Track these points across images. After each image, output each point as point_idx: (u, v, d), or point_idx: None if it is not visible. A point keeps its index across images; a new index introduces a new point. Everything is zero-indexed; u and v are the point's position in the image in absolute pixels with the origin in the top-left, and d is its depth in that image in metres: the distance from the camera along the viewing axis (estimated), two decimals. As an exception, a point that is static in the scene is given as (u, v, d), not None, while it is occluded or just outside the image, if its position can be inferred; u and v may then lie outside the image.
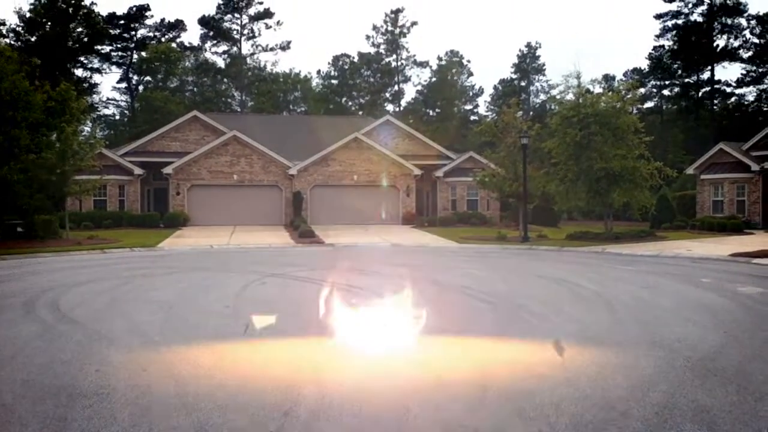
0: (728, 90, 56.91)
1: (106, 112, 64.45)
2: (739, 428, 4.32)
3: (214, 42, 66.56)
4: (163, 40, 63.20)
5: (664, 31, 57.34)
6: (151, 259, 17.46)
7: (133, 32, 62.86)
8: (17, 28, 54.17)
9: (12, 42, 49.28)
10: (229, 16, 65.94)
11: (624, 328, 7.79)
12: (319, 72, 71.87)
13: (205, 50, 66.62)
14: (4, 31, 51.56)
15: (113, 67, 63.34)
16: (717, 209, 31.86)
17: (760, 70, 54.97)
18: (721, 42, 56.09)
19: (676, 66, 57.64)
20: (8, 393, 5.06)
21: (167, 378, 5.54)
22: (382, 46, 69.32)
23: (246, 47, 66.76)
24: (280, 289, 11.66)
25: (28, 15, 54.47)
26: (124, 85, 64.21)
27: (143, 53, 60.41)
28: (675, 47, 56.88)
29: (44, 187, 22.55)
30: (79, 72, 59.28)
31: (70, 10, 55.08)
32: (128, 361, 6.09)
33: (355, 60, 69.20)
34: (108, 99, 64.84)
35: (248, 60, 66.97)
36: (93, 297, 10.19)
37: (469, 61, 70.23)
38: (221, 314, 8.81)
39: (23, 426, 4.38)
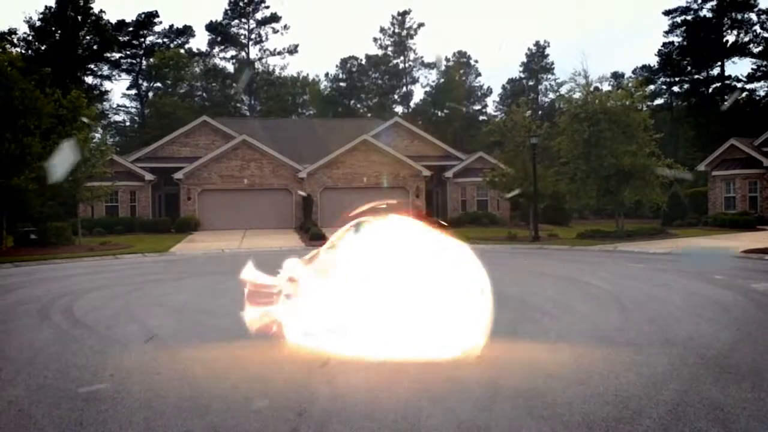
0: (739, 85, 56.48)
1: (117, 118, 65.08)
2: (754, 425, 4.30)
3: (222, 47, 66.99)
4: (171, 46, 63.64)
5: (674, 27, 57.00)
6: (163, 264, 17.57)
7: (142, 39, 63.39)
8: (27, 37, 54.80)
9: (23, 51, 49.75)
10: (237, 21, 66.43)
11: (636, 326, 7.73)
12: (327, 75, 72.18)
13: (214, 56, 67.10)
14: (15, 40, 52.21)
15: (123, 74, 63.96)
16: (729, 206, 31.62)
17: (771, 64, 54.53)
18: (731, 37, 55.75)
19: (685, 62, 57.23)
20: (25, 398, 5.12)
21: (180, 381, 5.59)
22: (390, 48, 69.44)
23: (254, 52, 67.20)
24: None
25: (37, 24, 55.02)
26: (133, 91, 64.82)
27: (152, 60, 60.80)
28: (684, 43, 56.51)
29: (56, 194, 22.76)
30: (89, 79, 59.83)
31: (80, 18, 55.56)
32: (142, 364, 6.14)
33: (363, 62, 69.35)
34: (118, 106, 65.45)
35: (256, 64, 67.32)
36: (106, 302, 10.26)
37: (476, 62, 70.26)
38: (233, 317, 8.82)
39: (40, 430, 4.43)
